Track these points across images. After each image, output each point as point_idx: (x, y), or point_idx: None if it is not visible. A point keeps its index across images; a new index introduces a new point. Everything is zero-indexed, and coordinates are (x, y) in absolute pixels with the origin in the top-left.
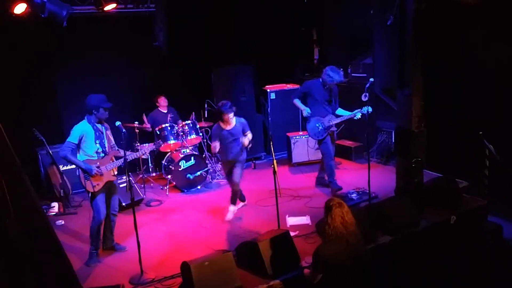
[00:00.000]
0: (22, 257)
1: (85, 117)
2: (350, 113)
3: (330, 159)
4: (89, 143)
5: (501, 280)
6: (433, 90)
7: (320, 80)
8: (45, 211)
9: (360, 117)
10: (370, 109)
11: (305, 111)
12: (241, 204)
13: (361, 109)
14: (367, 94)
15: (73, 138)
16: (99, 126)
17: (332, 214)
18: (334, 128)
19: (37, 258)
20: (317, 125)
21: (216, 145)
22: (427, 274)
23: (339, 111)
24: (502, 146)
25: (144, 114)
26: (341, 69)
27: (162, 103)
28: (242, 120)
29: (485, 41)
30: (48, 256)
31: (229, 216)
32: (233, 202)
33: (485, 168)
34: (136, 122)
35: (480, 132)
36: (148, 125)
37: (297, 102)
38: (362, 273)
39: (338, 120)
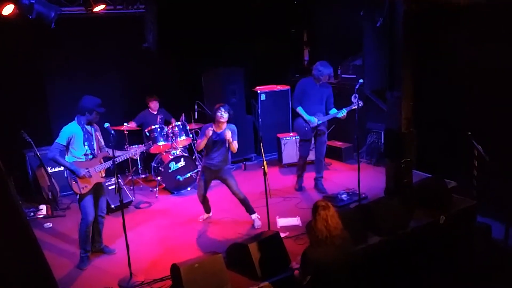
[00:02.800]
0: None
1: (75, 118)
2: (336, 111)
3: (301, 159)
4: (77, 145)
5: (490, 279)
6: (423, 91)
7: (312, 77)
8: (32, 213)
9: (345, 114)
10: (360, 104)
11: (312, 121)
12: (207, 215)
13: (346, 107)
14: (357, 95)
15: (61, 139)
16: (88, 127)
17: (316, 217)
18: (323, 128)
19: (15, 262)
20: (305, 125)
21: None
22: (417, 274)
23: (332, 111)
24: (490, 147)
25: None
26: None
27: (153, 107)
28: (233, 126)
29: (474, 41)
30: (26, 259)
31: (258, 224)
32: (251, 211)
33: (474, 169)
34: (125, 124)
35: (469, 133)
36: (134, 125)
37: (301, 111)
38: (351, 274)
39: (324, 119)
